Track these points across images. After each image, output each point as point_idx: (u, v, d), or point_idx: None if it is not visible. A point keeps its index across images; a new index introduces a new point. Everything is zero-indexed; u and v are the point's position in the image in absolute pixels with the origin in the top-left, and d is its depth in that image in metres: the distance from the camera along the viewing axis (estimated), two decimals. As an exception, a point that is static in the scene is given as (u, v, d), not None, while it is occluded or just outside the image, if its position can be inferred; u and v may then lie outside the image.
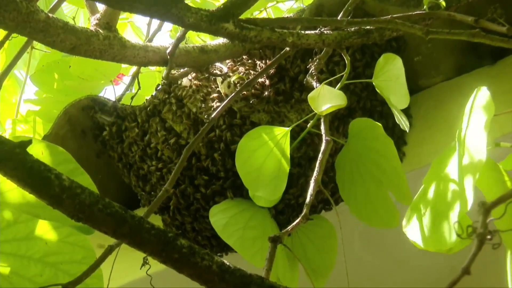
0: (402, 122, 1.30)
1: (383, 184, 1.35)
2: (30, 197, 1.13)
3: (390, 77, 1.33)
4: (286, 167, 1.37)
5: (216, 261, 0.96)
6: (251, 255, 1.38)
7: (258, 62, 1.60)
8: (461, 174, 0.98)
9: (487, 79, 1.60)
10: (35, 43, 2.31)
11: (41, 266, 1.21)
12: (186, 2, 1.20)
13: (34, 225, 1.22)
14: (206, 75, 1.59)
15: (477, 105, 1.03)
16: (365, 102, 1.58)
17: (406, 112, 1.63)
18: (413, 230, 1.08)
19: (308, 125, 1.39)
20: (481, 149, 0.95)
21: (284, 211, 1.55)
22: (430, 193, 1.07)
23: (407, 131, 1.31)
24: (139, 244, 0.96)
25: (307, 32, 1.31)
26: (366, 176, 1.36)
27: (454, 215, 1.00)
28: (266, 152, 1.38)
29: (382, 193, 1.35)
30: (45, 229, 1.21)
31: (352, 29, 1.33)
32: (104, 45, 1.37)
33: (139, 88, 1.91)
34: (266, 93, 1.55)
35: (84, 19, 2.75)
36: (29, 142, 0.96)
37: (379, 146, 1.34)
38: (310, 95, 1.31)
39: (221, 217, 1.44)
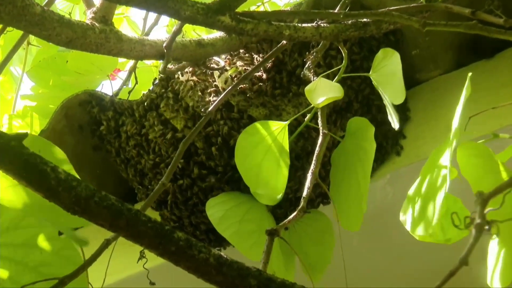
0: (393, 118, 1.29)
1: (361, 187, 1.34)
2: (26, 195, 1.13)
3: (387, 72, 1.33)
4: (286, 162, 1.36)
5: (213, 254, 0.95)
6: (247, 249, 1.37)
7: (255, 56, 1.60)
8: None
9: (485, 73, 1.60)
10: (31, 38, 2.31)
11: (35, 275, 1.21)
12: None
13: (33, 231, 1.21)
14: (203, 69, 1.59)
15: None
16: (363, 95, 1.58)
17: (404, 106, 1.63)
18: (408, 219, 1.08)
19: (305, 119, 1.39)
20: (456, 119, 0.96)
21: (282, 204, 1.55)
22: (424, 184, 1.08)
23: (396, 129, 1.30)
24: (136, 237, 0.95)
25: (304, 25, 1.30)
26: (352, 175, 1.35)
27: (440, 196, 1.00)
28: (265, 148, 1.38)
29: (359, 194, 1.33)
30: (41, 238, 1.21)
31: (349, 22, 1.32)
32: (100, 39, 1.36)
33: (136, 82, 1.91)
34: (263, 86, 1.55)
35: (80, 16, 2.74)
36: (25, 135, 0.96)
37: (368, 147, 1.33)
38: (307, 88, 1.31)
39: (218, 210, 1.43)
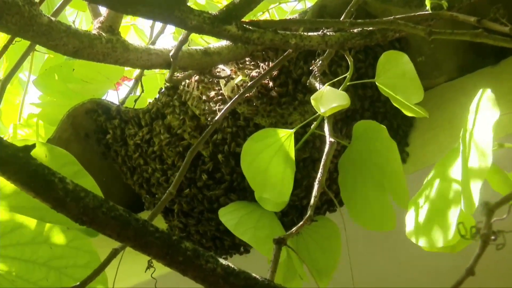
0: (418, 111, 1.30)
1: (383, 187, 1.35)
2: (34, 200, 1.13)
3: (395, 74, 1.33)
4: (292, 169, 1.37)
5: (221, 263, 0.96)
6: (267, 251, 1.38)
7: (261, 64, 1.60)
8: (466, 175, 0.98)
9: (490, 79, 1.60)
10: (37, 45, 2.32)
11: (46, 270, 1.22)
12: (188, 4, 1.20)
13: (38, 229, 1.22)
14: (209, 78, 1.59)
15: (483, 107, 1.02)
16: (368, 103, 1.58)
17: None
18: (410, 225, 1.09)
19: (311, 127, 1.39)
20: (487, 153, 0.95)
21: (289, 212, 1.55)
22: (431, 191, 1.08)
23: (427, 116, 1.31)
24: (143, 247, 0.96)
25: (310, 34, 1.31)
26: (367, 178, 1.36)
27: (454, 214, 1.00)
28: (271, 155, 1.38)
29: (381, 195, 1.34)
30: (49, 234, 1.22)
31: (355, 30, 1.32)
32: (107, 48, 1.37)
33: (143, 91, 1.91)
34: (269, 95, 1.55)
35: (87, 23, 2.75)
36: (32, 146, 0.96)
37: (382, 148, 1.34)
38: (313, 96, 1.31)
39: (232, 217, 1.44)
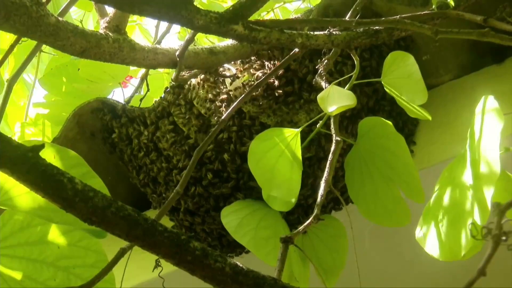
0: (421, 113, 1.30)
1: (393, 182, 1.35)
2: (42, 200, 1.14)
3: (401, 74, 1.33)
4: (299, 168, 1.37)
5: (229, 263, 0.96)
6: (265, 255, 1.38)
7: (266, 63, 1.60)
8: (478, 185, 0.98)
9: (494, 78, 1.60)
10: (43, 46, 2.32)
11: (53, 270, 1.22)
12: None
13: (46, 229, 1.22)
14: (215, 77, 1.59)
15: (488, 118, 1.03)
16: (374, 101, 1.58)
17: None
18: (429, 241, 1.08)
19: (317, 125, 1.39)
20: (495, 164, 0.96)
21: (294, 211, 1.55)
22: (445, 200, 1.08)
23: (430, 119, 1.31)
24: (152, 247, 0.96)
25: (316, 33, 1.31)
26: (375, 175, 1.36)
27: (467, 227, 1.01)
28: (277, 154, 1.38)
29: (392, 191, 1.35)
30: (57, 233, 1.22)
31: (361, 29, 1.33)
32: (113, 48, 1.37)
33: (148, 90, 1.91)
34: (275, 93, 1.55)
35: (93, 23, 2.75)
36: (41, 146, 0.96)
37: (389, 144, 1.34)
38: (320, 95, 1.31)
39: (233, 218, 1.44)
